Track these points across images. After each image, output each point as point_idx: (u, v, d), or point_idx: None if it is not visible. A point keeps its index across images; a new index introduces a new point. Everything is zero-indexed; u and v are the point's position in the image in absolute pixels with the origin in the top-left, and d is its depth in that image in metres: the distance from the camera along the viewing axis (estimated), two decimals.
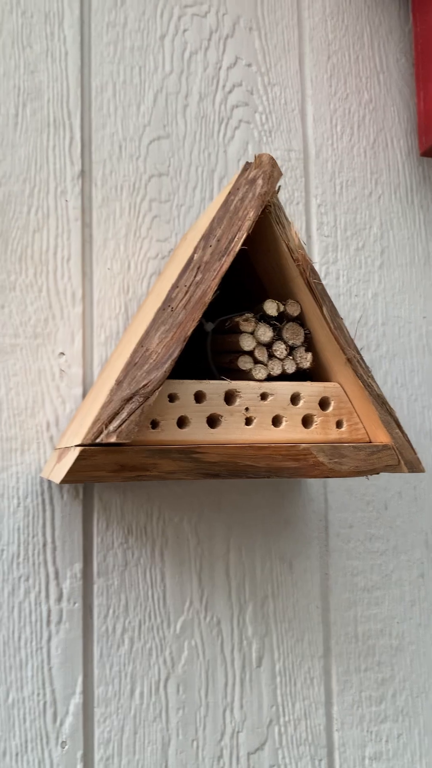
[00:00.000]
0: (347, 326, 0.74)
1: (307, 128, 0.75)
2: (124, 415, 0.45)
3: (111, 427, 0.45)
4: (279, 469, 0.49)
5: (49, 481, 0.62)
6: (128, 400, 0.45)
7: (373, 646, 0.72)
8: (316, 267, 0.73)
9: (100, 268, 0.66)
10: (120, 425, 0.44)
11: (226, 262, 0.48)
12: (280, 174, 0.50)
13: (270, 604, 0.68)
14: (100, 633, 0.62)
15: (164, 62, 0.70)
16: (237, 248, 0.49)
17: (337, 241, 0.75)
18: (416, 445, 0.75)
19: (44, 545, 0.61)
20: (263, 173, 0.50)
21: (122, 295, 0.66)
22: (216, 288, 0.48)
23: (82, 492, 0.63)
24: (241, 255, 0.54)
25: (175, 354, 0.46)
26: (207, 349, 0.55)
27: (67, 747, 0.61)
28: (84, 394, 0.64)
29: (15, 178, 0.64)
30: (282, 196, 0.73)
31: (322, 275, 0.74)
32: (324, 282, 0.74)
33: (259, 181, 0.50)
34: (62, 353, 0.64)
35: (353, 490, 0.72)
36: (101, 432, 0.45)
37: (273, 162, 0.50)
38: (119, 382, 0.48)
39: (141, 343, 0.49)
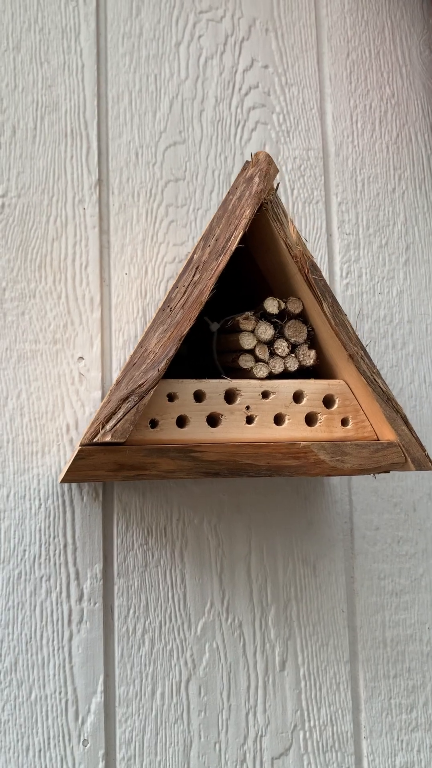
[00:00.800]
0: (371, 324, 0.73)
1: (327, 126, 0.75)
2: (120, 414, 0.45)
3: (107, 427, 0.45)
4: (280, 468, 0.49)
5: (70, 483, 0.63)
6: (125, 399, 0.46)
7: (403, 652, 0.70)
8: (337, 265, 0.73)
9: (117, 274, 0.67)
10: (116, 424, 0.45)
11: (223, 261, 0.48)
12: (276, 171, 0.50)
13: (293, 607, 0.67)
14: (121, 633, 0.63)
15: (180, 69, 0.71)
16: (233, 247, 0.49)
17: (359, 239, 0.74)
18: None
19: (65, 546, 0.63)
20: (260, 171, 0.50)
21: (140, 299, 0.67)
22: (213, 287, 0.48)
23: (101, 494, 0.64)
24: (246, 254, 0.54)
25: (171, 353, 0.47)
26: (213, 349, 0.55)
27: (89, 745, 0.62)
28: (103, 398, 0.65)
29: (34, 189, 0.66)
30: (301, 196, 0.72)
31: (343, 273, 0.73)
32: (346, 280, 0.73)
33: (256, 179, 0.50)
34: (81, 357, 0.65)
35: (379, 492, 0.71)
36: (98, 431, 0.46)
37: (269, 159, 0.49)
38: (118, 383, 0.49)
39: (141, 344, 0.50)
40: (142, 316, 0.66)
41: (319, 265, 0.71)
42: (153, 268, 0.68)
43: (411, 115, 0.77)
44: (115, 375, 0.65)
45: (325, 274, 0.72)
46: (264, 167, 0.49)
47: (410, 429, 0.49)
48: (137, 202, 0.68)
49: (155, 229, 0.68)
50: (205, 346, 0.58)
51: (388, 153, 0.76)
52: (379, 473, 0.51)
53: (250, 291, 0.58)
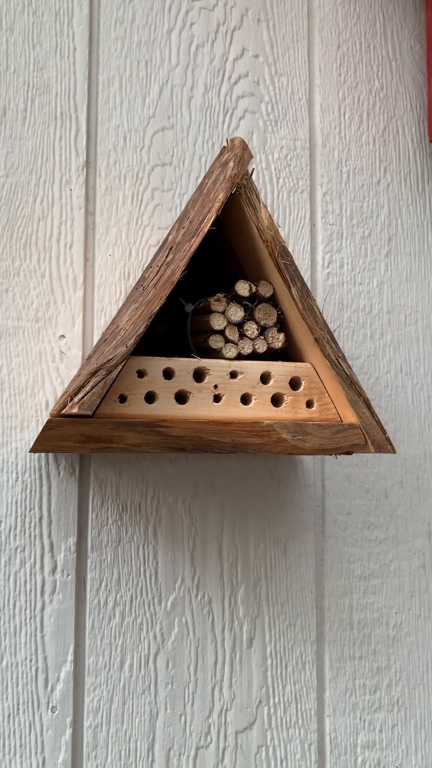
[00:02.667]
0: (351, 314, 0.74)
1: (314, 117, 0.76)
2: (88, 387, 0.47)
3: (75, 399, 0.47)
4: (243, 445, 0.51)
5: (47, 457, 0.65)
6: (93, 373, 0.47)
7: (369, 634, 0.71)
8: (319, 255, 0.74)
9: (101, 255, 0.68)
10: (83, 397, 0.47)
11: (195, 242, 0.50)
12: (251, 156, 0.51)
13: (263, 586, 0.69)
14: (92, 605, 0.65)
15: (170, 55, 0.72)
16: (206, 229, 0.50)
17: (342, 229, 0.75)
18: (421, 435, 0.74)
19: (40, 519, 0.64)
20: (234, 156, 0.51)
21: (123, 280, 0.68)
22: (185, 268, 0.49)
23: (78, 469, 0.65)
24: (222, 237, 0.55)
25: (141, 330, 0.48)
26: (187, 330, 0.57)
27: (57, 712, 0.64)
28: None
29: (22, 169, 0.68)
30: (286, 185, 0.74)
31: (325, 263, 0.74)
32: (327, 270, 0.74)
33: (230, 164, 0.51)
34: (62, 336, 0.66)
35: (352, 478, 0.72)
36: (67, 404, 0.47)
37: (244, 145, 0.51)
38: (89, 358, 0.50)
39: (113, 321, 0.52)
40: (125, 298, 0.68)
41: (301, 255, 0.73)
42: (137, 251, 0.69)
43: (399, 108, 0.78)
44: None
45: (307, 263, 0.73)
46: (239, 152, 0.51)
47: (372, 412, 0.50)
48: (124, 185, 0.69)
49: (140, 212, 0.69)
50: (181, 327, 0.60)
51: (374, 145, 0.77)
52: (339, 454, 0.52)
53: (226, 274, 0.60)
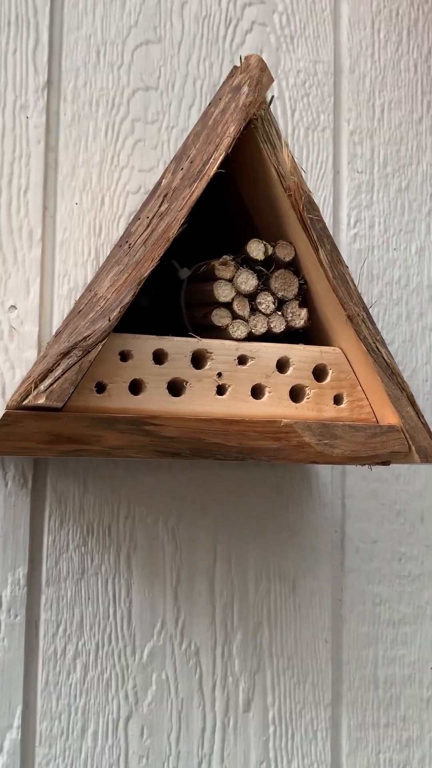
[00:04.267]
0: (382, 287, 0.75)
1: (341, 34, 0.76)
2: (58, 372, 0.47)
3: (42, 387, 0.47)
4: (254, 450, 0.51)
5: None
6: (65, 354, 0.47)
7: (398, 696, 0.73)
8: (343, 211, 0.75)
9: (65, 203, 0.68)
10: (52, 384, 0.47)
11: (198, 188, 0.50)
12: (271, 80, 0.52)
13: (265, 632, 0.69)
14: (47, 655, 0.65)
15: None
16: (212, 172, 0.50)
17: (373, 180, 0.76)
18: None
19: None
20: (250, 79, 0.51)
21: (92, 236, 0.68)
22: (184, 220, 0.50)
23: (31, 479, 0.65)
24: (229, 183, 0.55)
25: (127, 299, 0.48)
26: (180, 301, 0.57)
27: None
28: None
29: None
30: (304, 120, 0.74)
31: (351, 222, 0.75)
32: (354, 230, 0.75)
33: (245, 89, 0.51)
34: (13, 306, 0.66)
35: (380, 496, 0.73)
36: (30, 392, 0.47)
37: (262, 65, 0.51)
38: (58, 334, 0.50)
39: (89, 288, 0.52)
40: (95, 259, 0.67)
41: (321, 211, 0.73)
42: (111, 199, 0.68)
43: None
44: (57, 328, 0.67)
45: (328, 221, 0.74)
46: (255, 74, 0.51)
47: (417, 411, 0.51)
48: (96, 113, 0.69)
49: (117, 149, 0.69)
50: (171, 299, 0.60)
51: (416, 73, 0.78)
52: (375, 464, 0.53)
53: (233, 232, 0.60)
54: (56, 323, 0.66)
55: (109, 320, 0.48)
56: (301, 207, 0.52)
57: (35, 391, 0.47)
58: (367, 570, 0.72)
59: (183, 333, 0.55)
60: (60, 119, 0.68)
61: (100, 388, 0.51)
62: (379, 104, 0.77)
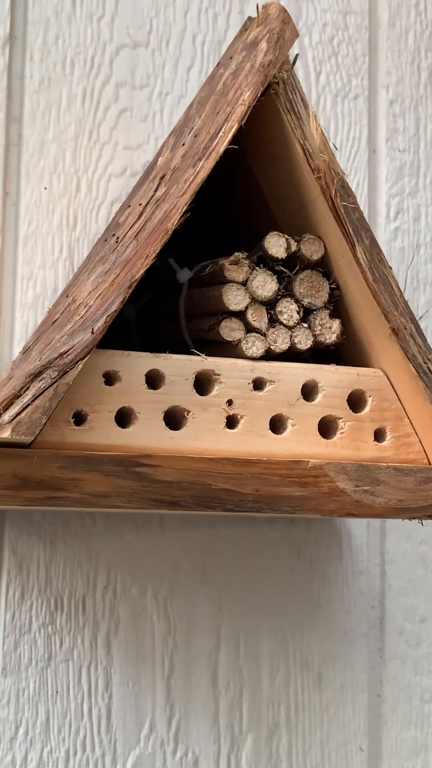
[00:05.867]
0: (431, 295, 0.76)
1: None
2: (27, 398, 0.47)
3: (6, 416, 0.47)
4: (275, 499, 0.51)
5: None
6: (36, 376, 0.48)
7: None
8: (381, 200, 0.76)
9: (31, 187, 0.69)
10: (20, 413, 0.47)
11: (204, 168, 0.50)
12: (295, 35, 0.53)
13: (282, 738, 0.69)
14: (4, 764, 0.65)
15: None
16: (222, 148, 0.51)
17: (418, 160, 0.77)
18: None
19: None
20: (269, 33, 0.52)
21: (65, 229, 0.69)
22: (186, 208, 0.50)
23: None
24: (240, 163, 0.56)
25: (114, 307, 0.49)
26: (179, 310, 0.57)
27: None
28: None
29: None
30: (331, 86, 0.75)
31: (390, 213, 0.76)
32: (395, 224, 0.76)
33: (263, 45, 0.52)
34: None
35: (429, 561, 0.73)
36: None
37: (284, 16, 0.52)
38: (27, 349, 0.51)
39: (66, 292, 0.52)
40: (68, 257, 0.68)
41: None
42: (89, 183, 0.69)
43: None
44: (17, 350, 0.67)
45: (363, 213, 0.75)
46: (276, 27, 0.52)
47: None
48: (70, 75, 0.70)
49: (96, 121, 0.70)
50: (164, 309, 0.61)
51: None
52: (427, 518, 0.53)
53: (243, 224, 0.61)
54: (19, 337, 0.67)
55: (93, 332, 0.48)
56: (333, 192, 0.52)
57: None
58: (414, 657, 0.73)
59: (183, 350, 0.55)
60: (25, 83, 0.69)
61: (79, 418, 0.51)
62: (426, 66, 0.78)
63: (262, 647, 0.70)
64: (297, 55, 0.53)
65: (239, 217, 0.59)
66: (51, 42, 0.70)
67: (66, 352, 0.48)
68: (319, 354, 0.56)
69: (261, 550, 0.70)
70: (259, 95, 0.52)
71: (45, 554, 0.67)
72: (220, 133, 0.51)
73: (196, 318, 0.57)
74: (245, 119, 0.51)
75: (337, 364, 0.56)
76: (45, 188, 0.69)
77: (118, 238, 0.52)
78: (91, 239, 0.69)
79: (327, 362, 0.56)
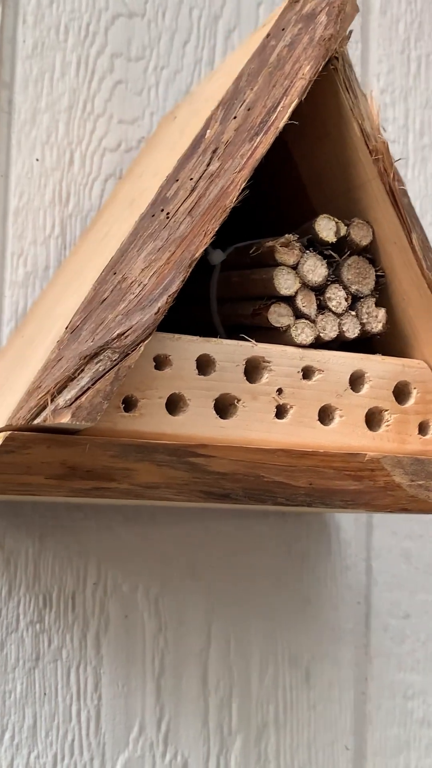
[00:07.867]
0: None
1: None
2: (85, 381, 0.45)
3: (61, 401, 0.44)
4: (329, 493, 0.50)
5: None
6: (91, 357, 0.45)
7: None
8: None
9: (22, 159, 0.67)
10: (79, 396, 0.44)
11: (263, 143, 0.49)
12: (356, 9, 0.52)
13: (270, 737, 0.69)
14: None
15: None
16: (281, 123, 0.49)
17: (407, 151, 0.77)
18: None
19: None
20: (328, 5, 0.51)
21: (58, 204, 0.67)
22: (245, 184, 0.48)
23: None
24: (278, 141, 0.55)
25: (174, 287, 0.47)
26: (212, 294, 0.56)
27: None
28: None
29: None
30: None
31: None
32: None
33: (322, 18, 0.51)
34: None
35: (412, 556, 0.74)
36: (45, 407, 0.45)
37: None
38: (75, 329, 0.48)
39: (112, 268, 0.50)
40: (60, 235, 0.67)
41: None
42: (83, 156, 0.68)
43: None
44: (7, 332, 0.65)
45: None
46: (337, 0, 0.51)
47: None
48: (64, 43, 0.69)
49: (91, 92, 0.69)
50: (188, 291, 0.59)
51: None
52: None
53: (274, 207, 0.59)
54: (8, 319, 0.66)
55: (154, 315, 0.46)
56: (392, 176, 0.51)
57: (52, 405, 0.45)
58: (398, 654, 0.73)
59: (236, 335, 0.53)
60: (17, 49, 0.68)
61: (129, 404, 0.48)
62: (416, 56, 0.78)
63: (252, 645, 0.70)
64: (351, 31, 0.52)
65: (267, 197, 0.57)
66: (45, 5, 0.69)
67: (124, 333, 0.46)
68: (351, 344, 0.55)
69: (251, 546, 0.70)
70: (319, 69, 0.50)
71: (34, 548, 0.66)
72: (279, 107, 0.50)
73: (231, 302, 0.55)
74: (305, 94, 0.50)
75: (382, 354, 0.55)
76: (37, 160, 0.68)
77: (168, 213, 0.49)
78: (84, 216, 0.68)
79: (362, 351, 0.54)
